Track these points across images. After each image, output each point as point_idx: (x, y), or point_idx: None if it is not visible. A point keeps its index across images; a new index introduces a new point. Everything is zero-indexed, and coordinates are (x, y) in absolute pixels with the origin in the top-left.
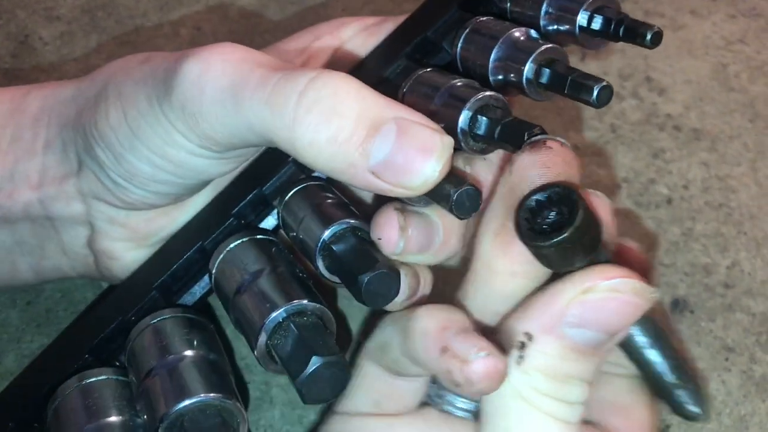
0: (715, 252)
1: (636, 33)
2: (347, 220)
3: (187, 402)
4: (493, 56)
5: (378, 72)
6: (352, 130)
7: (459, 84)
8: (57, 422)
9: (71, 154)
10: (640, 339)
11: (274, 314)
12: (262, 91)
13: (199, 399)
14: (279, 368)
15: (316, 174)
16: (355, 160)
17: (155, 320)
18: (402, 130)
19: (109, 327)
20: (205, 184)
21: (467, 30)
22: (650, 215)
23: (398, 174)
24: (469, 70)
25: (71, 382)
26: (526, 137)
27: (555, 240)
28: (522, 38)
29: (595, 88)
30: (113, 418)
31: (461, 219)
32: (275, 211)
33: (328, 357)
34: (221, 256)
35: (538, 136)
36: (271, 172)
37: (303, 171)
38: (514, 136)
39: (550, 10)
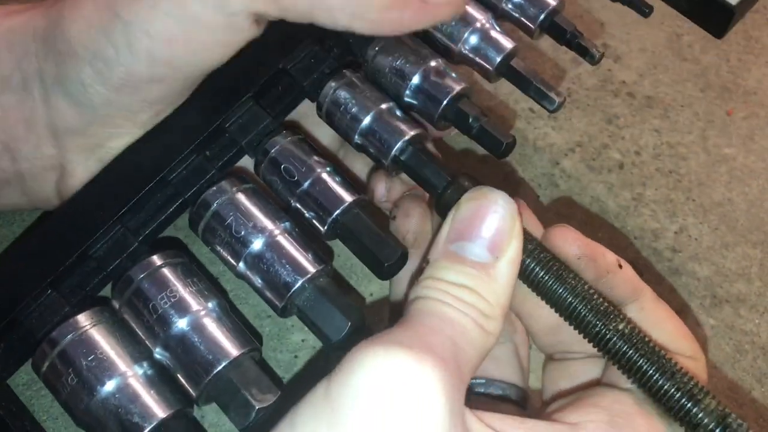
0: (664, 217)
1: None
2: (355, 197)
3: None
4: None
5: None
6: None
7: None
8: (63, 375)
9: (34, 89)
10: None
11: (297, 284)
12: None
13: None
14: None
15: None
16: None
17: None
18: None
19: (70, 258)
20: (200, 78)
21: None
22: (602, 179)
23: None
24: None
25: (65, 331)
26: None
27: None
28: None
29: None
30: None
31: None
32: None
33: (356, 320)
34: None
35: None
36: (231, 105)
37: (266, 111)
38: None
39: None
